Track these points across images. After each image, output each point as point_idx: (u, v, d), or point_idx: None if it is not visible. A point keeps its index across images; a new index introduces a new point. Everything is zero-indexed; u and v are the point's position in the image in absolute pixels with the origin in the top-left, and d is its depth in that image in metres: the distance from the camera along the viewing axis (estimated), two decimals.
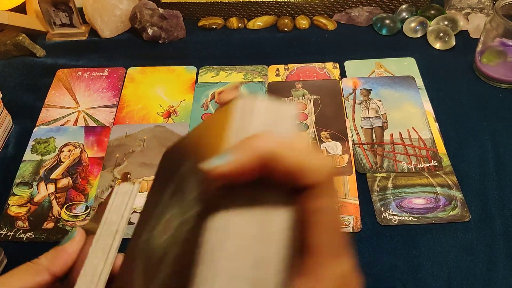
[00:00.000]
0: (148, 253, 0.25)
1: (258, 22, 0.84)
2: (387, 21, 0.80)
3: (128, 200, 0.31)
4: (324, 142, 0.64)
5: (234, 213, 0.22)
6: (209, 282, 0.20)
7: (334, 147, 0.63)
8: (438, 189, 0.58)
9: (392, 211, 0.56)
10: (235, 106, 0.26)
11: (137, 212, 0.44)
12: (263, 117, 0.25)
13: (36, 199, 0.60)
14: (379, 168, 0.61)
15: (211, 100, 0.71)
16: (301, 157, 0.23)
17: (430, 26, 0.79)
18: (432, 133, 0.64)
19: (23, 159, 0.64)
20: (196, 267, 0.21)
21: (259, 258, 0.21)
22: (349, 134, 0.65)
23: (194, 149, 0.27)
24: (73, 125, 0.69)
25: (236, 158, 0.23)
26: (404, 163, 0.61)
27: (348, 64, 0.76)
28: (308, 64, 0.76)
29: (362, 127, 0.66)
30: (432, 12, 0.81)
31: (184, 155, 0.28)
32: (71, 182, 0.62)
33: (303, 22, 0.83)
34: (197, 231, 0.22)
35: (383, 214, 0.56)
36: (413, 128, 0.65)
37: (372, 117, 0.67)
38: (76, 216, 0.58)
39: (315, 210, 0.24)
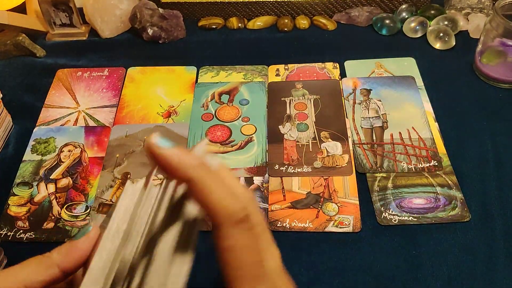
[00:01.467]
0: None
1: (258, 22, 0.84)
2: (387, 21, 0.80)
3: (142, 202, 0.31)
4: (324, 142, 0.64)
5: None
6: None
7: (334, 147, 0.63)
8: (438, 189, 0.58)
9: (392, 211, 0.56)
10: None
11: None
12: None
13: (36, 199, 0.60)
14: (379, 168, 0.61)
15: (211, 100, 0.71)
16: (218, 195, 0.25)
17: (430, 26, 0.79)
18: (432, 133, 0.64)
19: (23, 159, 0.65)
20: None
21: None
22: (349, 134, 0.65)
23: None
24: (73, 125, 0.69)
25: (175, 153, 0.26)
26: (404, 163, 0.61)
27: (348, 64, 0.76)
28: (308, 64, 0.76)
29: (362, 127, 0.66)
30: (432, 12, 0.81)
31: None
32: (71, 182, 0.62)
33: (303, 22, 0.83)
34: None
35: (383, 214, 0.56)
36: (413, 128, 0.65)
37: (372, 117, 0.67)
38: (76, 216, 0.58)
39: (224, 249, 0.26)
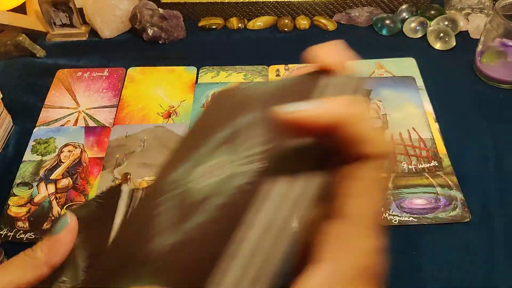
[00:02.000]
0: (181, 194, 0.24)
1: (258, 23, 0.84)
2: (387, 22, 0.80)
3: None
4: None
5: (291, 178, 0.22)
6: (245, 236, 0.20)
7: None
8: (439, 189, 0.58)
9: (392, 212, 0.56)
10: (324, 81, 0.26)
11: None
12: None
13: (36, 199, 0.60)
14: None
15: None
16: (370, 129, 0.23)
17: (430, 27, 0.79)
18: (432, 134, 0.64)
19: (23, 160, 0.64)
20: (241, 221, 0.20)
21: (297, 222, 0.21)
22: None
23: (264, 103, 0.26)
24: (73, 125, 0.69)
25: (313, 108, 0.23)
26: (404, 164, 0.61)
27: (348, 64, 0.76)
28: (308, 64, 0.76)
29: None
30: (432, 12, 0.81)
31: (247, 106, 0.27)
32: (71, 182, 0.62)
33: (303, 23, 0.83)
34: (255, 186, 0.21)
35: (383, 214, 0.56)
36: (413, 128, 0.65)
37: (372, 118, 0.67)
38: None
39: (360, 177, 0.23)
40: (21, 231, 0.57)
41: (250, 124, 0.25)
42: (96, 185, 0.61)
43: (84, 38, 0.84)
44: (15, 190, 0.61)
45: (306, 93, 0.26)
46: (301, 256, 0.23)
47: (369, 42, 0.80)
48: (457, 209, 0.56)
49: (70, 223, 0.29)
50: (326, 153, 0.24)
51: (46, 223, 0.58)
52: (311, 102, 0.23)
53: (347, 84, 0.27)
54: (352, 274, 0.22)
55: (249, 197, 0.21)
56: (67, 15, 0.82)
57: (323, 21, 0.83)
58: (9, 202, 0.60)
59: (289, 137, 0.24)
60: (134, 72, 0.77)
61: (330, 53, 0.27)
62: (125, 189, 0.30)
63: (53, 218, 0.58)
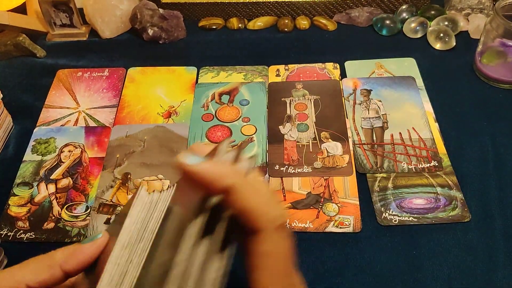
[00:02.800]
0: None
1: (259, 23, 0.84)
2: (387, 22, 0.80)
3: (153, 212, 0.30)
4: (324, 142, 0.64)
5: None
6: None
7: (334, 147, 0.63)
8: (439, 189, 0.58)
9: (392, 212, 0.56)
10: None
11: None
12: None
13: (36, 199, 0.60)
14: (379, 169, 0.61)
15: (211, 101, 0.71)
16: (259, 201, 0.25)
17: (430, 27, 0.79)
18: (432, 133, 0.64)
19: (23, 160, 0.65)
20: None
21: None
22: (349, 134, 0.65)
23: None
24: (74, 125, 0.69)
25: (208, 167, 0.26)
26: (404, 164, 0.61)
27: (348, 64, 0.76)
28: (308, 64, 0.76)
29: (362, 128, 0.66)
30: (432, 12, 0.81)
31: None
32: (71, 182, 0.62)
33: (303, 23, 0.83)
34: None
35: (383, 214, 0.56)
36: (413, 128, 0.65)
37: (372, 118, 0.67)
38: (76, 217, 0.58)
39: (263, 254, 0.25)
40: (21, 231, 0.57)
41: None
42: (96, 185, 0.61)
43: (84, 38, 0.84)
44: (15, 190, 0.61)
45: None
46: None
47: (369, 42, 0.80)
48: (457, 209, 0.56)
49: (100, 238, 0.30)
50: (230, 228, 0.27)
51: (46, 223, 0.58)
52: (208, 160, 0.26)
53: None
54: None
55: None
56: (67, 15, 0.82)
57: (323, 21, 0.83)
58: (9, 202, 0.60)
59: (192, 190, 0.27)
60: (134, 72, 0.77)
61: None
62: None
63: (53, 218, 0.58)
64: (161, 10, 0.82)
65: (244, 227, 0.26)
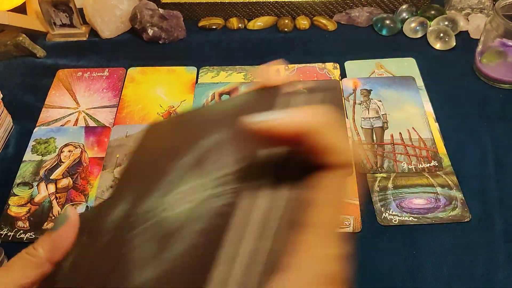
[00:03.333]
0: (156, 224, 0.23)
1: (258, 23, 0.84)
2: (387, 22, 0.80)
3: None
4: None
5: (263, 194, 0.23)
6: (230, 262, 0.20)
7: None
8: (439, 189, 0.58)
9: (392, 211, 0.56)
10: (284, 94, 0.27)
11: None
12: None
13: (36, 199, 0.60)
14: (379, 169, 0.61)
15: (211, 101, 0.71)
16: (333, 139, 0.24)
17: (430, 27, 0.79)
18: (432, 134, 0.64)
19: (23, 160, 0.65)
20: (223, 243, 0.21)
21: (271, 237, 0.22)
22: (349, 134, 0.65)
23: (227, 122, 0.27)
24: (73, 125, 0.69)
25: (282, 117, 0.24)
26: (404, 164, 0.61)
27: (348, 64, 0.76)
28: (308, 64, 0.76)
29: (362, 128, 0.66)
30: (432, 12, 0.81)
31: (209, 127, 0.27)
32: (71, 182, 0.62)
33: (303, 23, 0.83)
34: (232, 207, 0.22)
35: (384, 214, 0.56)
36: (413, 128, 0.65)
37: (372, 118, 0.67)
38: None
39: (323, 186, 0.24)
40: (21, 231, 0.57)
41: (216, 145, 0.25)
42: (96, 185, 0.61)
43: (84, 38, 0.84)
44: (15, 190, 0.61)
45: (268, 106, 0.27)
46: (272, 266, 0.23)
47: (369, 42, 0.80)
48: (457, 209, 0.56)
49: (70, 218, 0.28)
50: (294, 165, 0.25)
51: (46, 223, 0.58)
52: (278, 112, 0.24)
53: (313, 96, 0.28)
54: (316, 280, 0.23)
55: (227, 219, 0.22)
56: (67, 15, 0.82)
57: (323, 21, 0.83)
58: (9, 202, 0.60)
59: (259, 147, 0.24)
60: (134, 72, 0.77)
61: (274, 72, 0.29)
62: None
63: (53, 218, 0.58)
64: (161, 10, 0.82)
65: (313, 165, 0.25)
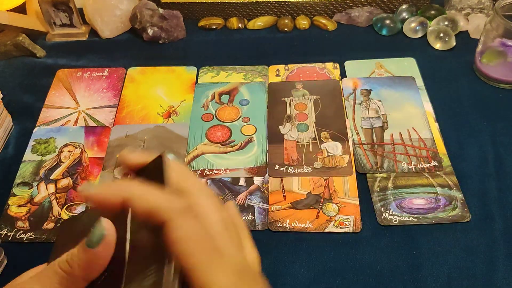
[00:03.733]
0: None
1: (258, 23, 0.84)
2: (387, 21, 0.80)
3: None
4: (324, 142, 0.64)
5: None
6: None
7: (334, 147, 0.63)
8: (438, 189, 0.58)
9: (392, 212, 0.56)
10: None
11: None
12: None
13: (36, 199, 0.60)
14: (379, 169, 0.61)
15: (211, 101, 0.71)
16: (151, 197, 0.27)
17: (430, 27, 0.79)
18: (432, 133, 0.64)
19: (23, 160, 0.65)
20: None
21: None
22: (349, 134, 0.65)
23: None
24: (73, 125, 0.69)
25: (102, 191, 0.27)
26: (404, 164, 0.61)
27: (348, 64, 0.76)
28: (308, 64, 0.76)
29: (362, 127, 0.66)
30: (432, 12, 0.81)
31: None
32: (71, 182, 0.62)
33: (303, 23, 0.83)
34: None
35: (383, 214, 0.56)
36: (413, 128, 0.65)
37: (372, 117, 0.67)
38: None
39: (176, 241, 0.26)
40: (21, 231, 0.57)
41: None
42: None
43: (84, 38, 0.84)
44: (15, 190, 0.61)
45: None
46: None
47: (369, 42, 0.80)
48: (457, 209, 0.56)
49: (108, 235, 0.26)
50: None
51: (46, 223, 0.58)
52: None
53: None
54: None
55: None
56: (67, 15, 0.82)
57: (323, 21, 0.83)
58: (9, 202, 0.60)
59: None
60: (134, 72, 0.77)
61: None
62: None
63: (53, 218, 0.58)
64: (161, 10, 0.82)
65: (152, 226, 0.26)
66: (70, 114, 0.71)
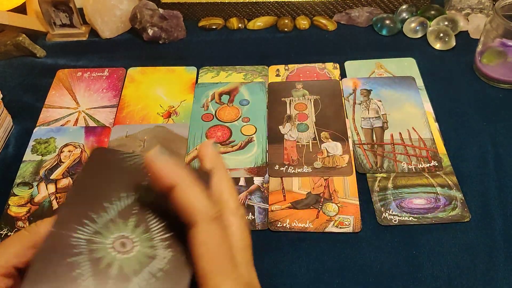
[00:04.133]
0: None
1: (258, 23, 0.84)
2: (387, 22, 0.80)
3: None
4: (324, 142, 0.64)
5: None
6: None
7: (334, 147, 0.63)
8: (438, 189, 0.58)
9: (392, 211, 0.56)
10: None
11: None
12: None
13: (36, 199, 0.60)
14: (379, 169, 0.61)
15: (211, 101, 0.71)
16: (192, 197, 0.28)
17: (430, 27, 0.79)
18: (432, 134, 0.64)
19: (23, 159, 0.65)
20: None
21: None
22: (349, 134, 0.65)
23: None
24: (73, 125, 0.69)
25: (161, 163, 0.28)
26: (404, 164, 0.61)
27: (348, 64, 0.76)
28: (308, 64, 0.76)
29: (362, 128, 0.66)
30: (432, 12, 0.81)
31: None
32: (71, 182, 0.62)
33: (303, 23, 0.83)
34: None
35: (383, 214, 0.56)
36: (413, 128, 0.65)
37: (372, 118, 0.67)
38: None
39: (200, 244, 0.27)
40: None
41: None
42: None
43: (84, 38, 0.84)
44: (15, 190, 0.61)
45: None
46: None
47: (369, 42, 0.80)
48: (457, 209, 0.56)
49: None
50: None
51: None
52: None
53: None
54: None
55: None
56: (67, 15, 0.82)
57: (323, 21, 0.83)
58: (9, 202, 0.60)
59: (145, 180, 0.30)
60: (134, 72, 0.77)
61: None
62: None
63: None
64: (161, 10, 0.82)
65: (183, 222, 0.28)
66: (70, 114, 0.71)
